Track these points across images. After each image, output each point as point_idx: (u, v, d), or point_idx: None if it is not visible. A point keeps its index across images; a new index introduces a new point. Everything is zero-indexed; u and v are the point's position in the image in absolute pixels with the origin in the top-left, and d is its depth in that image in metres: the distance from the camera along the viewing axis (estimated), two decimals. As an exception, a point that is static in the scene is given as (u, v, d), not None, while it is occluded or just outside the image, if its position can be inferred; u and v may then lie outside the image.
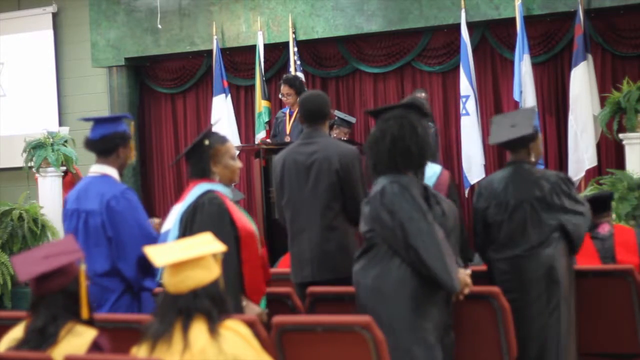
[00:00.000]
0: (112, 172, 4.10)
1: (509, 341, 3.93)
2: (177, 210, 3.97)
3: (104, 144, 4.08)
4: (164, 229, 4.07)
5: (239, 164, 4.03)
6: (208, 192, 3.89)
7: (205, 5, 9.57)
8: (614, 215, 5.56)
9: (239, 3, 9.41)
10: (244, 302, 3.86)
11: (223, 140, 4.00)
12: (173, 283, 2.92)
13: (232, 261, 3.80)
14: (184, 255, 2.91)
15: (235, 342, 2.89)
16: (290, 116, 7.55)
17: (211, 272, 2.96)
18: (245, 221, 3.93)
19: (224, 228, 3.81)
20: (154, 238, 4.04)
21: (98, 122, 4.14)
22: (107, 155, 4.10)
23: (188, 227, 3.85)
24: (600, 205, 5.13)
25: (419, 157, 3.82)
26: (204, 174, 3.94)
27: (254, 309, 3.86)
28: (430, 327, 3.66)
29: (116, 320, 3.62)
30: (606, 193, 5.48)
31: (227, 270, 3.72)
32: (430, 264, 3.61)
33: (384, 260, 3.70)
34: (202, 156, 3.93)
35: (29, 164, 8.49)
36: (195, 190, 3.92)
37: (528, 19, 8.19)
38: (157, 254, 2.95)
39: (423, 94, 7.99)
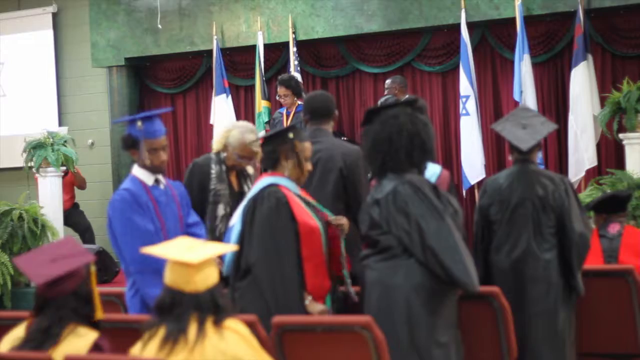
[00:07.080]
0: (136, 170, 4.15)
1: (509, 341, 3.93)
2: (242, 205, 3.97)
3: (122, 143, 4.16)
4: (230, 224, 4.06)
5: (309, 166, 4.03)
6: (270, 186, 3.88)
7: (205, 5, 9.56)
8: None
9: (239, 3, 9.41)
10: (307, 300, 3.85)
11: (303, 138, 4.01)
12: (192, 281, 2.89)
13: (291, 257, 3.78)
14: (205, 254, 2.91)
15: (235, 342, 2.89)
16: (287, 116, 7.54)
17: (216, 272, 2.97)
18: (308, 217, 3.87)
19: (282, 223, 3.80)
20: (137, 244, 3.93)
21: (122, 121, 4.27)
22: (129, 153, 4.15)
23: (248, 221, 3.85)
24: (616, 204, 5.10)
25: (431, 151, 3.83)
26: (274, 166, 3.95)
27: (317, 307, 3.85)
28: (445, 326, 3.66)
29: (116, 320, 3.62)
30: (624, 193, 5.41)
31: (285, 265, 3.75)
32: (449, 265, 3.58)
33: (400, 262, 3.66)
34: (277, 147, 3.94)
35: (29, 164, 8.47)
36: (258, 184, 3.93)
37: (528, 19, 8.18)
38: (168, 252, 2.94)
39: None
